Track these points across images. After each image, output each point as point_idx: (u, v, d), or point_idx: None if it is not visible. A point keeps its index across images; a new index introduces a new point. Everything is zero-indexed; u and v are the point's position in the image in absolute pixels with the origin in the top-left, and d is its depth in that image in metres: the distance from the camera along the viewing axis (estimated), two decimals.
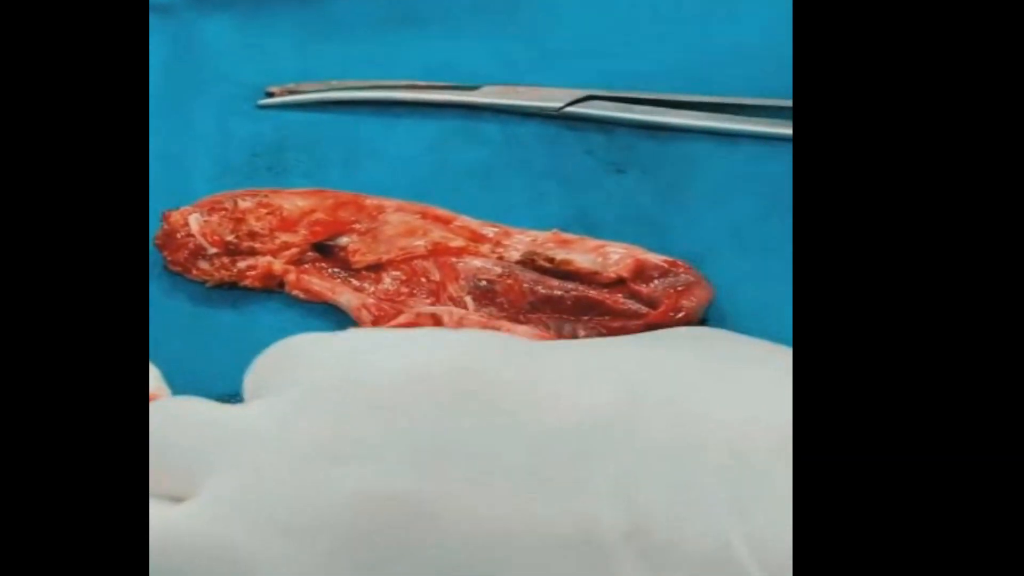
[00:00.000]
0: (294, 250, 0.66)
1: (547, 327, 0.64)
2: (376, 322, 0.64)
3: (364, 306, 0.64)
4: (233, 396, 0.62)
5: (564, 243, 0.66)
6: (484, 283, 0.65)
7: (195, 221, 0.67)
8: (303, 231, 0.66)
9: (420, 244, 0.66)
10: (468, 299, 0.65)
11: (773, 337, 0.64)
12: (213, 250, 0.66)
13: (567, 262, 0.65)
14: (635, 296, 0.64)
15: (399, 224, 0.67)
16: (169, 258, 0.66)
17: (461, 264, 0.65)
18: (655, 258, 0.65)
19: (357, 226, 0.67)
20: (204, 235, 0.66)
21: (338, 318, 0.65)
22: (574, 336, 0.63)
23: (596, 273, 0.65)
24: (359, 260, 0.66)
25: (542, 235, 0.67)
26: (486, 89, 0.76)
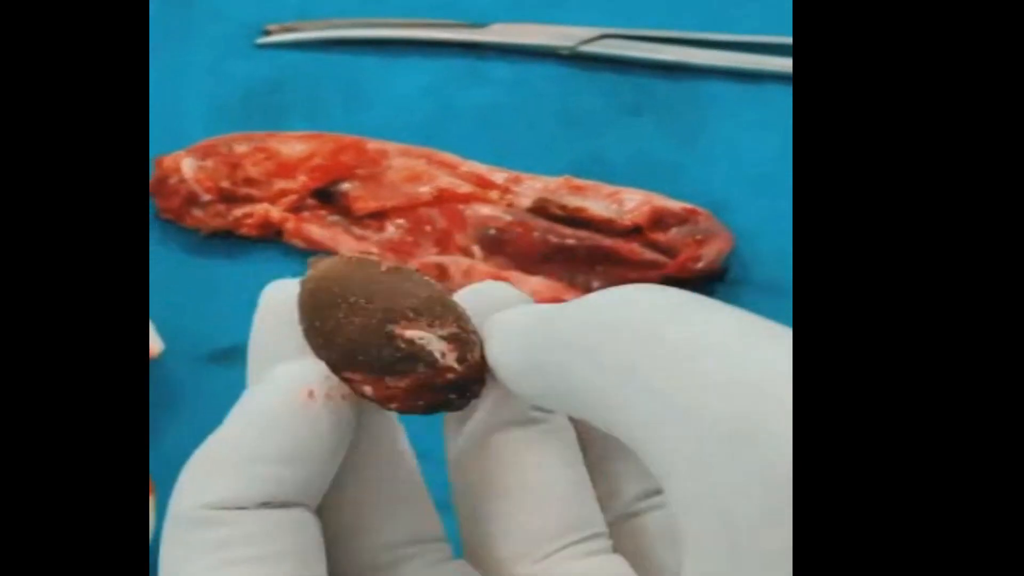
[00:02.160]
0: (292, 197, 0.64)
1: (559, 278, 0.61)
2: None
3: None
4: (227, 350, 0.60)
5: (577, 189, 0.64)
6: (493, 232, 0.62)
7: (189, 166, 0.64)
8: (302, 177, 0.64)
9: (425, 190, 0.63)
10: (476, 248, 0.62)
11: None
12: (207, 197, 0.64)
13: (580, 209, 0.62)
14: (652, 245, 0.62)
15: (403, 169, 0.64)
16: (161, 205, 0.64)
17: (469, 211, 0.63)
18: (673, 205, 0.62)
19: (359, 172, 0.64)
20: (198, 181, 0.64)
21: None
22: (587, 288, 0.61)
23: (611, 221, 0.62)
24: (361, 207, 0.63)
25: (554, 181, 0.64)
26: (495, 27, 0.73)
